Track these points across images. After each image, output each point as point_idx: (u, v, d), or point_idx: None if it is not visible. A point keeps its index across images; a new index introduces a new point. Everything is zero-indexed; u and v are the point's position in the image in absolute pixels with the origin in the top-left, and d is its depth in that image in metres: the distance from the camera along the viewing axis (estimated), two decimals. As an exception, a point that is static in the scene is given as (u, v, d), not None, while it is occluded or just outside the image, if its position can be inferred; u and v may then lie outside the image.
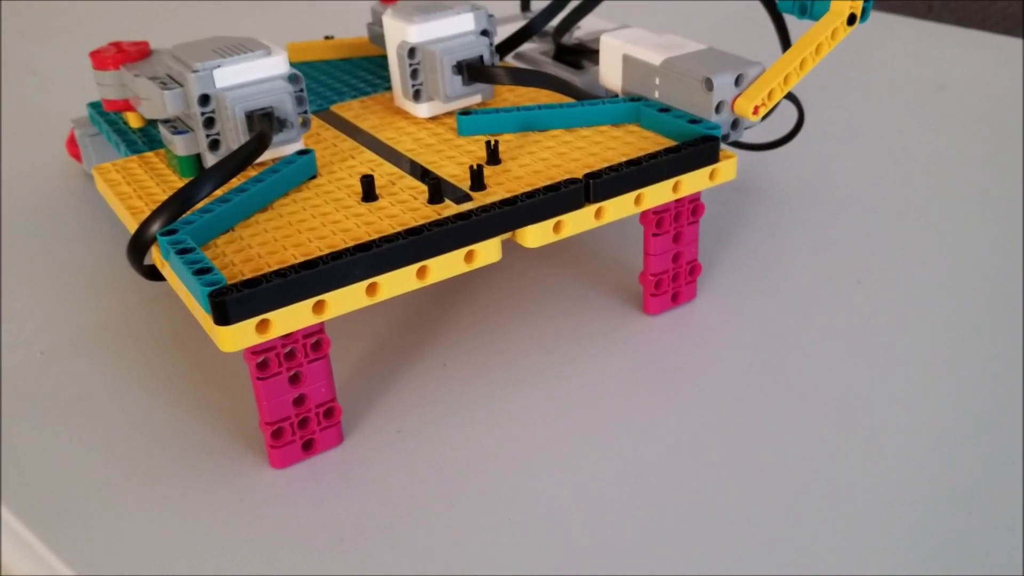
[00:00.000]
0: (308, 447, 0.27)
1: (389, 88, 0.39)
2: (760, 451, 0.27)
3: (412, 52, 0.34)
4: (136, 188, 0.31)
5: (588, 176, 0.28)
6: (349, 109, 0.37)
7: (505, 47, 0.40)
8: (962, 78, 0.52)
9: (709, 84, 0.31)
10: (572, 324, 0.33)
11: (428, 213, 0.28)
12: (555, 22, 0.41)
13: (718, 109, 0.31)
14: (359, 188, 0.30)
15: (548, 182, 0.29)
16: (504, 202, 0.27)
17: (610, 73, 0.35)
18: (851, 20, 0.32)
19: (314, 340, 0.25)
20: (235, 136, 0.30)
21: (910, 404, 0.29)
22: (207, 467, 0.27)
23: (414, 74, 0.34)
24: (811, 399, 0.29)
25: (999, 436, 0.28)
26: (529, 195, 0.27)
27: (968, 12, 0.79)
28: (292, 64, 0.43)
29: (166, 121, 0.32)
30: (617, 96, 0.35)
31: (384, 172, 0.31)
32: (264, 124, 0.30)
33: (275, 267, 0.25)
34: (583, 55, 0.41)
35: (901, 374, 0.30)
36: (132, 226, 0.29)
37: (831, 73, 0.52)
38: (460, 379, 0.31)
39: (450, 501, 0.26)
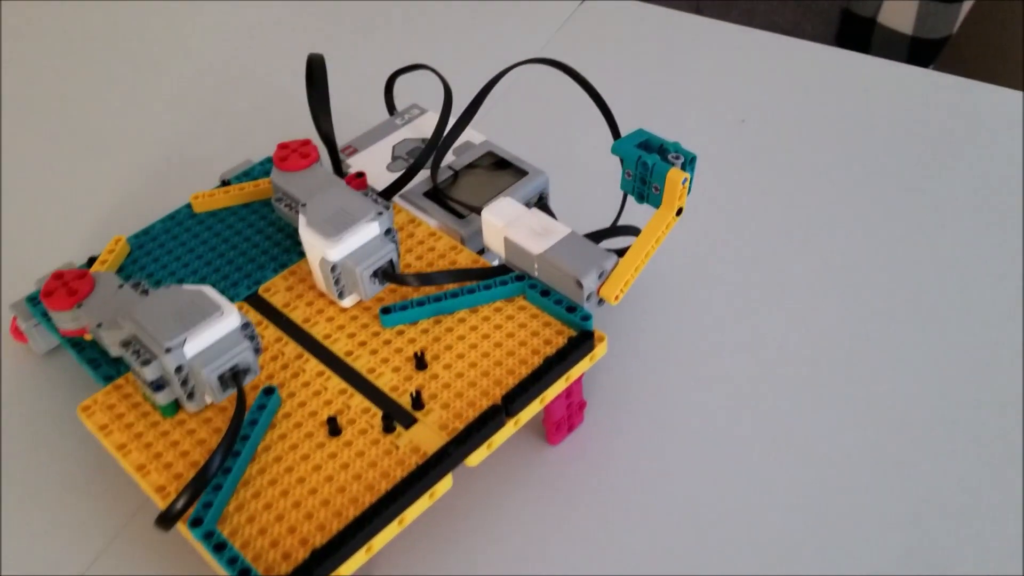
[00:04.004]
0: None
1: (301, 254, 0.45)
2: (648, 550, 0.39)
3: (333, 268, 0.40)
4: (130, 437, 0.38)
5: (505, 400, 0.37)
6: (276, 292, 0.43)
7: (393, 189, 0.47)
8: (766, 102, 0.61)
9: (579, 284, 0.40)
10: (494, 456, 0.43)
11: (387, 446, 0.36)
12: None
13: (588, 297, 0.40)
14: (321, 416, 0.38)
15: (471, 389, 0.38)
16: (453, 444, 0.36)
17: (493, 243, 0.43)
18: (679, 211, 0.41)
19: (330, 585, 0.34)
20: (208, 388, 0.37)
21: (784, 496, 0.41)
22: None
23: (336, 281, 0.41)
24: (689, 496, 0.41)
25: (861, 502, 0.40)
26: (466, 433, 0.36)
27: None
28: (198, 215, 0.48)
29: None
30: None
31: (334, 389, 0.39)
32: (238, 381, 0.37)
33: (289, 537, 0.33)
34: (459, 186, 0.48)
35: (770, 460, 0.42)
36: (141, 482, 0.36)
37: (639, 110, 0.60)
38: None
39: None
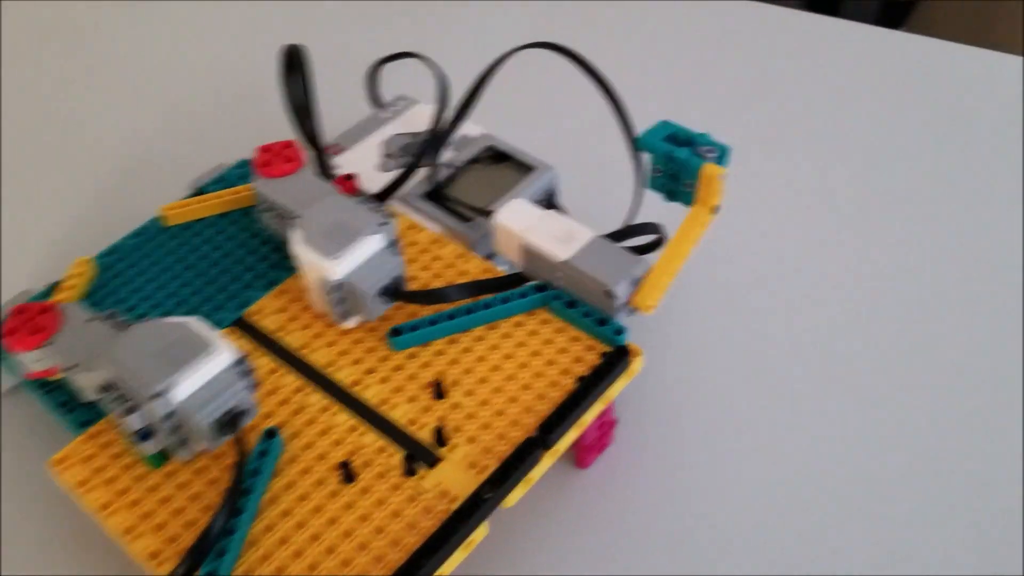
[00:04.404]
0: None
1: (291, 269, 0.40)
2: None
3: (336, 288, 0.36)
4: (113, 495, 0.33)
5: (542, 430, 0.33)
6: (265, 315, 0.39)
7: (388, 191, 0.43)
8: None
9: (611, 294, 0.36)
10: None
11: (411, 491, 0.32)
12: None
13: (620, 308, 0.36)
14: (331, 459, 0.33)
15: (499, 419, 0.34)
16: (488, 486, 0.32)
17: (507, 250, 0.39)
18: (715, 209, 0.37)
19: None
20: (202, 435, 0.33)
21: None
22: None
23: (339, 301, 0.36)
24: (728, 508, 0.37)
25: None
26: (501, 471, 0.32)
27: None
28: (170, 228, 0.43)
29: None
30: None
31: (343, 426, 0.34)
32: (236, 425, 0.32)
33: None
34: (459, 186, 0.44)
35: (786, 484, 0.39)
36: (129, 547, 0.32)
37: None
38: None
39: None
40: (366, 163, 0.45)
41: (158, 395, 0.31)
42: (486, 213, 0.41)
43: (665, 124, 0.37)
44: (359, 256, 0.36)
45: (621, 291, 0.36)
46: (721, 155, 0.36)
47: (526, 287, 0.38)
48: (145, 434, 0.33)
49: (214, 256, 0.42)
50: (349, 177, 0.43)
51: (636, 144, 0.37)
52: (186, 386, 0.32)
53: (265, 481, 0.33)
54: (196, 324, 0.33)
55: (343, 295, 0.36)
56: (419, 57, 0.47)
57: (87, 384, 0.34)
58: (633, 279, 0.36)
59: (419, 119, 0.48)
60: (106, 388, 0.33)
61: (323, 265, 0.36)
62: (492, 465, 0.33)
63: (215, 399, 0.32)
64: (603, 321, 0.36)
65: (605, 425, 0.39)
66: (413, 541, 0.31)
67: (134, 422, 0.32)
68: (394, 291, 0.37)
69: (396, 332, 0.37)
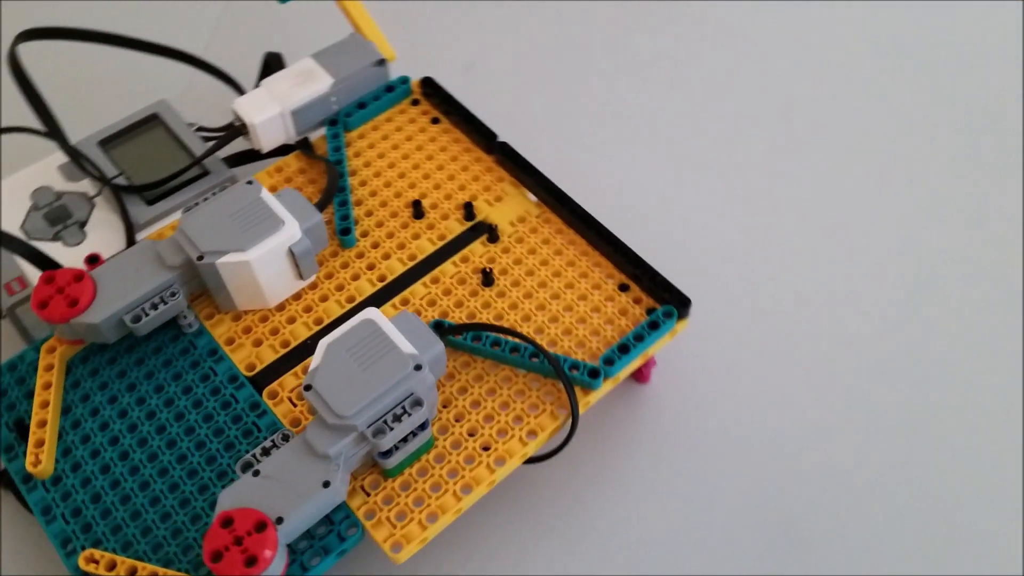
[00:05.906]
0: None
1: (198, 331, 0.36)
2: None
3: (305, 238, 0.35)
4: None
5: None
6: (252, 356, 0.36)
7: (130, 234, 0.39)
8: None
9: (383, 62, 0.42)
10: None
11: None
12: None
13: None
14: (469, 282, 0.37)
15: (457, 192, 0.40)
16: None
17: (273, 136, 0.40)
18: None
19: None
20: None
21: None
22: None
23: (306, 253, 0.36)
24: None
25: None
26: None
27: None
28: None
29: None
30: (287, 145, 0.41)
31: (424, 291, 0.37)
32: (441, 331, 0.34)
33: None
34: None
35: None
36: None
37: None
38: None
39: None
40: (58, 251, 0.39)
41: (419, 367, 0.31)
42: (202, 159, 0.41)
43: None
44: (284, 209, 0.36)
45: (381, 53, 0.42)
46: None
47: (328, 134, 0.41)
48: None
49: (155, 407, 0.35)
50: (93, 259, 0.37)
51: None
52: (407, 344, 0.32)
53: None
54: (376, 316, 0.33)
55: (308, 246, 0.36)
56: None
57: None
58: (374, 48, 0.42)
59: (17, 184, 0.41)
60: (379, 430, 0.31)
61: (282, 237, 0.35)
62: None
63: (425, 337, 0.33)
64: (391, 87, 0.42)
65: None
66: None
67: (420, 414, 0.31)
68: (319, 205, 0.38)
69: (345, 231, 0.38)
